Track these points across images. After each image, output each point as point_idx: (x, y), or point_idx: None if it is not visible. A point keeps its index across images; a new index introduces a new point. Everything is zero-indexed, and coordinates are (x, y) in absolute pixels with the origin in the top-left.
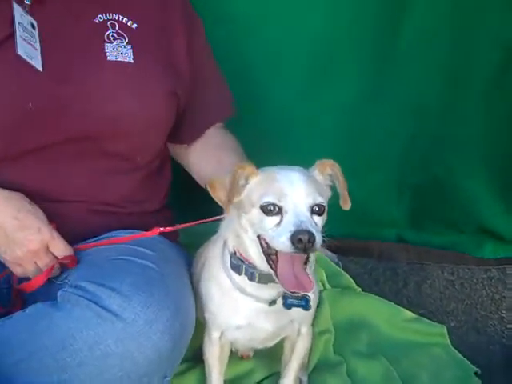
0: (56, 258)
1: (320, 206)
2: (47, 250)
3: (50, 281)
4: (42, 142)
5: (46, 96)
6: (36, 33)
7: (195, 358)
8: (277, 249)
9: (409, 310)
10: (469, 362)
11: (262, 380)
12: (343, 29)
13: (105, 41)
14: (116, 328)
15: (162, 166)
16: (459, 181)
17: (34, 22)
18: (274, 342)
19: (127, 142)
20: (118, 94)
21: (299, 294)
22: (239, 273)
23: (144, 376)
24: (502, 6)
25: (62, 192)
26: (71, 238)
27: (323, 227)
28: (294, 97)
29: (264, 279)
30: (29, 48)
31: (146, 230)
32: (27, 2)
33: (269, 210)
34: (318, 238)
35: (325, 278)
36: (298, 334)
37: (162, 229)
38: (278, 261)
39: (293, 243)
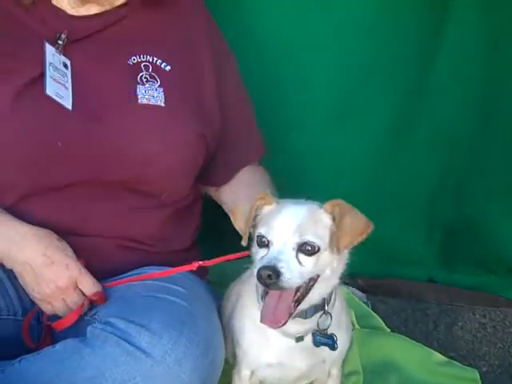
0: (84, 295)
1: (311, 245)
2: (75, 286)
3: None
4: (69, 180)
5: (74, 135)
6: (68, 72)
7: None
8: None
9: (439, 352)
10: None
11: None
12: (375, 62)
13: (137, 83)
14: (145, 366)
15: (192, 204)
16: (491, 220)
17: (67, 62)
18: (305, 383)
19: (153, 183)
20: (146, 137)
21: (273, 327)
22: None
23: None
24: None
25: (89, 227)
26: (100, 274)
27: (346, 264)
28: (322, 130)
29: None
30: (59, 87)
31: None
32: (60, 42)
33: (261, 241)
34: (288, 277)
35: (354, 319)
36: (328, 375)
37: (200, 262)
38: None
39: (257, 278)
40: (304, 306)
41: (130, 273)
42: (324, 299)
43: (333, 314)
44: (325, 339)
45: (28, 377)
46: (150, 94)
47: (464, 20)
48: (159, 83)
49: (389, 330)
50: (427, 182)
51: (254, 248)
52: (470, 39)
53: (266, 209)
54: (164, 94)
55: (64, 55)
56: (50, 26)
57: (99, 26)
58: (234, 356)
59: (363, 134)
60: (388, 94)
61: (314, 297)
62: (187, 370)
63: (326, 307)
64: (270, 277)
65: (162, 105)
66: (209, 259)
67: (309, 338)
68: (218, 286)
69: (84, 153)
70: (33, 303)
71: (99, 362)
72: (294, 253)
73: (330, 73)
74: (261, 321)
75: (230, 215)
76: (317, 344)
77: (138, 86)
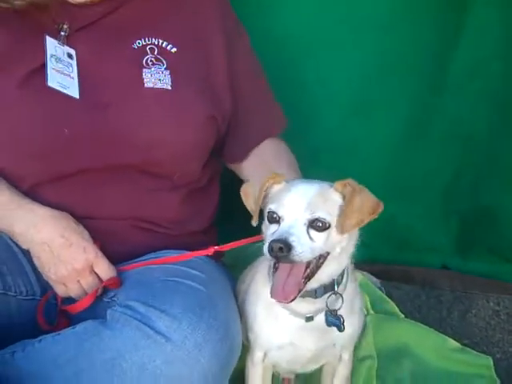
0: (100, 279)
1: (322, 221)
2: (91, 269)
3: (96, 298)
4: (80, 166)
5: (81, 122)
6: (74, 62)
7: (237, 380)
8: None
9: (453, 339)
10: None
11: None
12: (392, 58)
13: (143, 66)
14: (165, 350)
15: (208, 185)
16: (506, 209)
17: (72, 52)
18: (316, 367)
19: (163, 165)
20: (153, 121)
21: (282, 302)
22: None
23: None
24: None
25: (103, 210)
26: (116, 257)
27: (356, 246)
28: (341, 121)
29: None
30: (63, 78)
31: (193, 250)
32: (63, 33)
33: (271, 217)
34: (299, 251)
35: (369, 304)
36: (340, 359)
37: (217, 247)
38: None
39: (269, 251)
40: (314, 284)
41: (146, 256)
42: (334, 280)
43: (345, 298)
44: (334, 319)
45: (48, 357)
46: (157, 77)
47: (483, 17)
48: (166, 65)
49: (403, 315)
50: (444, 171)
51: (264, 224)
52: (488, 36)
53: (276, 187)
54: (171, 77)
55: (68, 45)
56: (52, 15)
57: (102, 13)
58: (248, 340)
59: (380, 129)
60: (405, 90)
61: (323, 276)
62: (206, 354)
63: (336, 288)
64: (282, 250)
65: (169, 87)
66: (226, 242)
67: (319, 319)
68: (232, 269)
69: (92, 140)
70: (50, 285)
71: (119, 345)
72: (305, 228)
73: (347, 69)
74: (271, 296)
75: (241, 194)
76: (328, 323)
77: (144, 70)
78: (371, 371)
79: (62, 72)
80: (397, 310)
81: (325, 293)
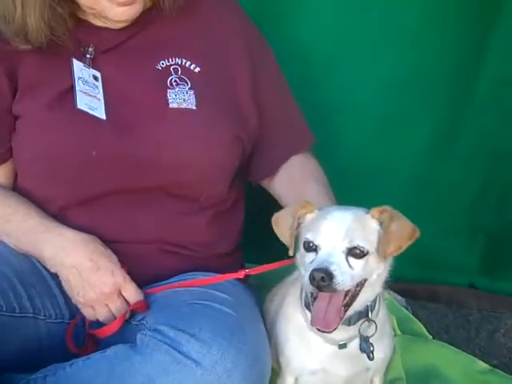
0: (127, 302)
1: (360, 249)
2: (119, 293)
3: (124, 321)
4: (106, 188)
5: (108, 144)
6: (99, 84)
7: None
8: (304, 286)
9: (481, 360)
10: None
11: None
12: (419, 72)
13: (168, 87)
14: (195, 375)
15: (234, 207)
16: None
17: (98, 74)
18: None
19: (189, 187)
20: (179, 142)
21: (325, 331)
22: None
23: None
24: None
25: (131, 233)
26: (143, 280)
27: (389, 271)
28: (367, 138)
29: None
30: (90, 100)
31: (219, 273)
32: (88, 56)
33: (308, 246)
34: (341, 279)
35: (396, 324)
36: (371, 383)
37: (247, 270)
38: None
39: (310, 280)
40: (349, 312)
41: (173, 279)
42: (368, 306)
43: (377, 323)
44: (366, 347)
45: (79, 381)
46: (181, 98)
47: (510, 32)
48: (190, 85)
49: (430, 336)
50: (471, 188)
51: (300, 253)
52: None
53: (309, 216)
54: (195, 96)
55: (93, 68)
56: (77, 37)
57: (126, 35)
58: (278, 363)
59: (405, 145)
60: (430, 105)
61: (358, 303)
62: (236, 380)
63: (370, 314)
64: (324, 279)
65: (194, 107)
66: (254, 265)
67: (352, 346)
68: (259, 289)
69: (119, 161)
70: (78, 308)
71: (149, 370)
72: (343, 256)
73: (372, 86)
74: (311, 324)
75: (273, 224)
76: (362, 350)
77: (168, 91)
78: None
79: (89, 94)
80: (424, 330)
81: (359, 319)
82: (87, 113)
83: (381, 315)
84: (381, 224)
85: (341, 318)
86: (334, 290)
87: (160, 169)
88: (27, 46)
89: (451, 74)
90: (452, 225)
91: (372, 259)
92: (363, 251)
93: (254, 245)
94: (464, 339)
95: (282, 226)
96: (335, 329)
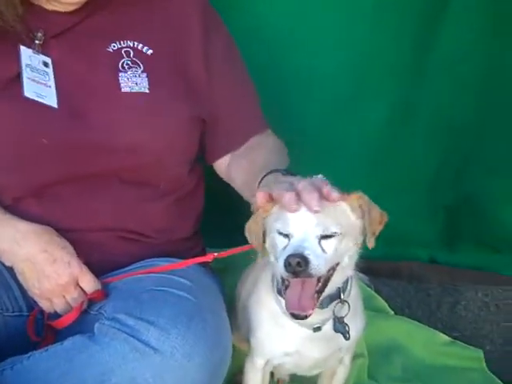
0: (84, 292)
1: (333, 234)
2: (76, 284)
3: (82, 311)
4: (59, 176)
5: (59, 131)
6: (50, 70)
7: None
8: (278, 273)
9: (443, 333)
10: None
11: None
12: (375, 50)
13: (119, 70)
14: (154, 362)
15: (194, 190)
16: (493, 199)
17: (48, 60)
18: (320, 370)
19: (147, 172)
20: (131, 126)
21: (300, 315)
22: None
23: None
24: None
25: (87, 221)
26: (101, 268)
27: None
28: (324, 116)
29: None
30: (39, 87)
31: (178, 257)
32: (37, 42)
33: (280, 233)
34: (316, 264)
35: None
36: (340, 362)
37: (216, 254)
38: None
39: (285, 266)
40: (321, 296)
41: (136, 265)
42: (339, 288)
43: (350, 303)
44: (341, 327)
45: (37, 374)
46: (133, 81)
47: (465, 5)
48: (142, 68)
49: (392, 311)
50: (429, 163)
51: (270, 240)
52: (470, 25)
53: (274, 210)
54: (148, 80)
55: (43, 53)
56: (27, 22)
57: (78, 18)
58: (248, 343)
59: (363, 124)
60: (387, 81)
61: (330, 287)
62: (195, 365)
63: (342, 296)
64: (299, 264)
65: (146, 91)
66: (216, 249)
67: (326, 328)
68: (222, 273)
69: (72, 148)
70: (30, 305)
71: (108, 359)
72: (317, 241)
73: (330, 62)
74: (287, 309)
75: (246, 232)
76: (336, 330)
77: (120, 74)
78: (363, 369)
79: (38, 81)
80: (386, 306)
81: (331, 302)
82: (35, 101)
83: (353, 294)
84: (353, 209)
85: (315, 304)
86: (310, 275)
87: (112, 153)
88: None
89: (406, 52)
90: (412, 201)
91: (344, 242)
92: (335, 233)
93: (216, 229)
94: (425, 313)
95: (253, 232)
96: (311, 314)
